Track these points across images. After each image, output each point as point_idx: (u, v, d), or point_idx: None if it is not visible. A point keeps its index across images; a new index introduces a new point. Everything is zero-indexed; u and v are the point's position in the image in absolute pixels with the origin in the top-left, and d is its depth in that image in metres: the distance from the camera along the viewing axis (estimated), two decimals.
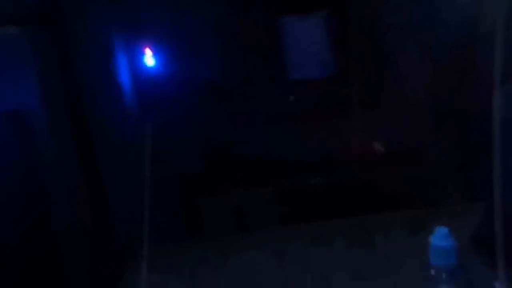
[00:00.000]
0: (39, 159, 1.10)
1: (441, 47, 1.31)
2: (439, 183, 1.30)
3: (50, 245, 1.09)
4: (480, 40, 1.16)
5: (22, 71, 1.08)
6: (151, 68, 1.36)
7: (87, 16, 1.25)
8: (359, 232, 1.18)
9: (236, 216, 1.35)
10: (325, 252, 1.13)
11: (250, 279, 1.09)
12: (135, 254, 1.13)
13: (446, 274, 0.78)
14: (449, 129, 1.33)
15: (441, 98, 1.34)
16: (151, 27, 1.36)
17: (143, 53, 1.36)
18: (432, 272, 0.78)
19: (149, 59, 1.36)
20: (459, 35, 1.24)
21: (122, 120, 1.29)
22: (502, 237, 0.96)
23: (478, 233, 1.05)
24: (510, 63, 0.98)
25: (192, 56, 1.37)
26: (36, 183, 1.10)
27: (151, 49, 1.36)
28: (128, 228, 1.19)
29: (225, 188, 1.37)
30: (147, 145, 1.22)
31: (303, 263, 1.10)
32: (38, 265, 1.04)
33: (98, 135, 1.25)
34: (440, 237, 0.78)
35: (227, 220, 1.35)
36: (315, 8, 1.37)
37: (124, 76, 1.33)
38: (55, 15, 1.20)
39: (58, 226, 1.11)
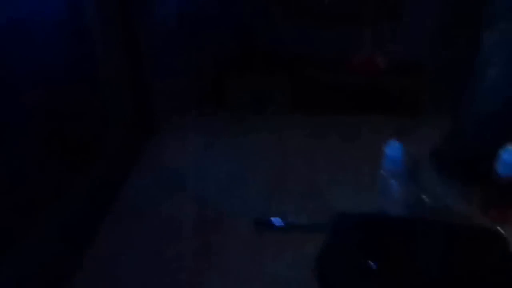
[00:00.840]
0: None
1: None
2: (434, 93, 1.44)
3: (95, 87, 1.22)
4: None
5: None
6: None
7: None
8: (351, 129, 1.39)
9: (254, 98, 1.53)
10: (319, 142, 1.36)
11: (253, 154, 1.30)
12: (167, 118, 1.42)
13: (395, 178, 1.00)
14: (455, 44, 1.44)
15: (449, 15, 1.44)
16: None
17: None
18: (383, 173, 1.01)
19: None
20: None
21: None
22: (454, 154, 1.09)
23: (437, 147, 1.22)
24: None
25: None
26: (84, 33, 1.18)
27: None
28: (163, 98, 1.42)
29: (249, 72, 1.55)
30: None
31: (299, 149, 1.31)
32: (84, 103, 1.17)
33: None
34: (392, 149, 1.00)
35: (245, 100, 1.54)
36: None
37: None
38: None
39: (104, 75, 1.23)
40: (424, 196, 1.06)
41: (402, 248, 0.85)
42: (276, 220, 1.08)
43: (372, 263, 0.81)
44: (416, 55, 1.52)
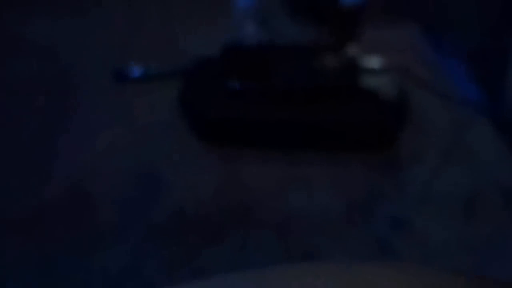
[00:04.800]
0: None
1: None
2: None
3: None
4: None
5: None
6: None
7: None
8: None
9: None
10: (171, 3, 1.28)
11: (102, 25, 1.23)
12: None
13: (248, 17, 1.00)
14: None
15: None
16: None
17: None
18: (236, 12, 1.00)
19: None
20: None
21: None
22: None
23: None
24: None
25: None
26: None
27: None
28: None
29: None
30: None
31: (150, 13, 1.24)
32: None
33: None
34: None
35: None
36: None
37: None
38: None
39: None
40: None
41: (261, 69, 0.90)
42: (136, 69, 1.06)
43: (235, 84, 0.85)
44: None
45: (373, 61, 0.96)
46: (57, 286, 0.73)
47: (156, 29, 1.23)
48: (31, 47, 1.19)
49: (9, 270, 0.74)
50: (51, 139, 0.92)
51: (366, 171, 0.86)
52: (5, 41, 1.22)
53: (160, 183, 0.84)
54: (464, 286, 0.29)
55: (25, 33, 1.23)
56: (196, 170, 0.86)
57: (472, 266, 0.72)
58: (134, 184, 0.84)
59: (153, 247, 0.75)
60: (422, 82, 1.02)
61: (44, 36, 1.23)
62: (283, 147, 0.87)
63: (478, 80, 1.06)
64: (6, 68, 1.11)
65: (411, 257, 0.75)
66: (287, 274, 0.29)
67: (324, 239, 0.75)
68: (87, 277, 0.73)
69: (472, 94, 1.06)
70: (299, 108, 0.84)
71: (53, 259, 0.74)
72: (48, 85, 1.06)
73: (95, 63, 1.11)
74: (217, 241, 0.76)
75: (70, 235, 0.76)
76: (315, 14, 1.24)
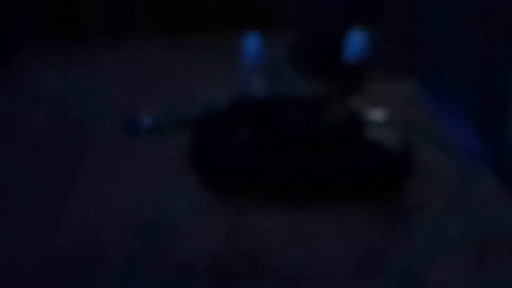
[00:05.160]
0: None
1: None
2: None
3: None
4: None
5: None
6: None
7: None
8: (212, 43, 1.39)
9: (110, 21, 1.50)
10: (181, 57, 1.35)
11: (113, 72, 1.28)
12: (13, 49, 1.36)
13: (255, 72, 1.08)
14: None
15: None
16: None
17: None
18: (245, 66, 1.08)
19: None
20: None
21: None
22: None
23: (293, 47, 1.30)
24: None
25: None
26: None
27: None
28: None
29: None
30: None
31: (160, 65, 1.31)
32: None
33: None
34: (251, 41, 1.08)
35: (101, 24, 1.50)
36: None
37: None
38: None
39: None
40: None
41: (270, 120, 0.92)
42: (146, 120, 1.09)
43: (244, 135, 0.87)
44: None
45: (377, 113, 0.99)
46: None
47: (166, 80, 1.27)
48: (41, 98, 1.22)
49: None
50: (60, 190, 0.93)
51: (373, 221, 0.87)
52: (15, 92, 1.25)
53: (170, 234, 0.85)
54: None
55: (36, 84, 1.27)
56: (206, 220, 0.87)
57: None
58: (143, 234, 0.85)
59: None
60: (425, 133, 1.05)
61: (55, 87, 1.26)
62: (292, 197, 0.88)
63: (479, 130, 1.08)
64: (16, 119, 1.13)
65: None
66: None
67: None
68: None
69: (473, 143, 1.08)
70: (306, 159, 0.86)
71: None
72: (59, 135, 1.08)
73: (106, 114, 1.14)
74: None
75: (78, 287, 0.77)
76: (320, 69, 1.29)
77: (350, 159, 0.88)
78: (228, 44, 1.39)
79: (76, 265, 0.81)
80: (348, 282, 0.77)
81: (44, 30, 1.45)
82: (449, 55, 1.23)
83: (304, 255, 0.82)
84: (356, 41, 1.05)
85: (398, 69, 1.23)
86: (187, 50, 1.42)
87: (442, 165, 1.00)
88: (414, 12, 1.23)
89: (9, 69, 1.32)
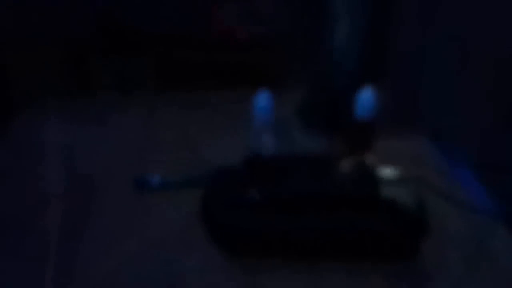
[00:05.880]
0: None
1: None
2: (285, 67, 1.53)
3: None
4: None
5: None
6: None
7: None
8: (221, 102, 1.41)
9: (119, 79, 1.53)
10: (190, 114, 1.37)
11: (121, 129, 1.28)
12: (29, 103, 1.37)
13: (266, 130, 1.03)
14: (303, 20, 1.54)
15: None
16: None
17: None
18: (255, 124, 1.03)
19: None
20: None
21: None
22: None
23: (303, 105, 1.32)
24: None
25: None
26: None
27: None
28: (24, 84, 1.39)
29: (111, 53, 1.53)
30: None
31: (170, 123, 1.32)
32: None
33: None
34: (262, 98, 1.03)
35: (110, 81, 1.52)
36: None
37: None
38: None
39: None
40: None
41: (281, 179, 0.91)
42: (156, 178, 1.08)
43: (255, 194, 0.86)
44: (270, 30, 1.58)
45: (389, 171, 0.98)
46: None
47: (176, 138, 1.26)
48: (49, 154, 1.21)
49: None
50: (71, 245, 0.92)
51: (387, 283, 0.85)
52: (23, 146, 1.25)
53: None
54: None
55: (43, 139, 1.26)
56: (217, 281, 0.85)
57: None
58: None
59: None
60: (438, 191, 1.04)
61: (63, 143, 1.25)
62: (304, 257, 0.86)
63: (490, 186, 1.07)
64: (24, 172, 1.13)
65: None
66: None
67: None
68: None
69: (486, 199, 1.07)
70: (319, 218, 0.85)
71: None
72: (68, 191, 1.07)
73: (115, 171, 1.13)
74: None
75: None
76: (330, 127, 1.30)
77: (363, 219, 0.87)
78: (237, 101, 1.44)
79: None
80: None
81: (55, 86, 1.46)
82: (458, 113, 1.24)
83: None
84: (365, 98, 1.05)
85: (408, 126, 1.24)
86: (197, 107, 1.43)
87: (457, 223, 0.98)
88: (423, 71, 1.25)
89: (17, 124, 1.33)
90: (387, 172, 0.98)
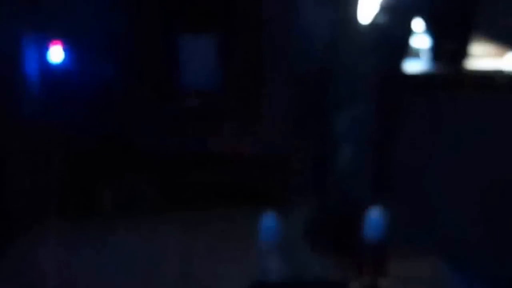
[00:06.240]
0: None
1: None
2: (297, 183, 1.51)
3: None
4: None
5: None
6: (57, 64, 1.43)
7: None
8: (220, 222, 1.40)
9: (123, 198, 1.53)
10: (193, 239, 1.33)
11: (119, 257, 1.25)
12: (25, 225, 1.35)
13: (272, 247, 1.05)
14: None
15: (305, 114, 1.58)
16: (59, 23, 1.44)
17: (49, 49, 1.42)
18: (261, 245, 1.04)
19: (56, 55, 1.42)
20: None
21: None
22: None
23: (309, 226, 1.31)
24: None
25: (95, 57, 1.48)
26: None
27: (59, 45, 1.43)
28: (19, 203, 1.39)
29: (116, 173, 1.55)
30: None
31: (170, 246, 1.28)
32: None
33: None
34: (268, 219, 1.05)
35: (115, 201, 1.53)
36: (209, 28, 1.55)
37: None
38: None
39: None
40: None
41: None
42: None
43: None
44: (275, 148, 1.61)
45: None
46: None
47: (180, 258, 1.24)
48: (51, 275, 1.18)
49: None
50: None
51: None
52: (21, 276, 1.21)
53: None
54: None
55: (42, 266, 1.22)
56: None
57: None
58: None
59: None
60: None
61: (63, 263, 1.22)
62: None
63: None
64: None
65: None
66: None
67: None
68: None
69: None
70: None
71: None
72: None
73: None
74: None
75: None
76: (338, 249, 1.29)
77: None
78: (241, 223, 1.37)
79: None
80: None
81: (55, 205, 1.43)
82: (469, 233, 1.25)
83: None
84: (373, 219, 1.08)
85: (419, 247, 1.21)
86: (200, 229, 1.40)
87: None
88: (432, 187, 1.27)
89: (15, 249, 1.31)
90: None
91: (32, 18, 1.48)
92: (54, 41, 1.53)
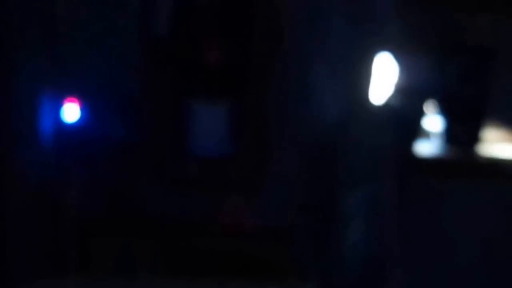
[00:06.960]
0: None
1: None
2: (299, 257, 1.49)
3: None
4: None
5: None
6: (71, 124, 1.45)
7: None
8: None
9: (121, 262, 1.50)
10: None
11: None
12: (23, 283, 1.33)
13: None
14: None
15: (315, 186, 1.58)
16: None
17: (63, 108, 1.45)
18: None
19: (70, 114, 1.44)
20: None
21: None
22: None
23: None
24: None
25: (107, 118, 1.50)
26: None
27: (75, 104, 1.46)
28: (20, 262, 1.35)
29: (115, 236, 1.52)
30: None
31: None
32: None
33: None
34: None
35: (112, 264, 1.49)
36: (220, 96, 1.58)
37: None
38: None
39: None
40: None
41: None
42: None
43: None
44: (277, 221, 1.57)
45: None
46: None
47: None
48: None
49: None
50: None
51: None
52: None
53: None
54: None
55: None
56: None
57: None
58: None
59: None
60: None
61: None
62: None
63: None
64: None
65: None
66: None
67: None
68: None
69: None
70: None
71: None
72: None
73: None
74: None
75: None
76: None
77: None
78: None
79: None
80: None
81: (55, 265, 1.43)
82: None
83: None
84: None
85: None
86: None
87: None
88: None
89: None
90: None
91: (51, 77, 1.53)
92: (69, 99, 1.57)
